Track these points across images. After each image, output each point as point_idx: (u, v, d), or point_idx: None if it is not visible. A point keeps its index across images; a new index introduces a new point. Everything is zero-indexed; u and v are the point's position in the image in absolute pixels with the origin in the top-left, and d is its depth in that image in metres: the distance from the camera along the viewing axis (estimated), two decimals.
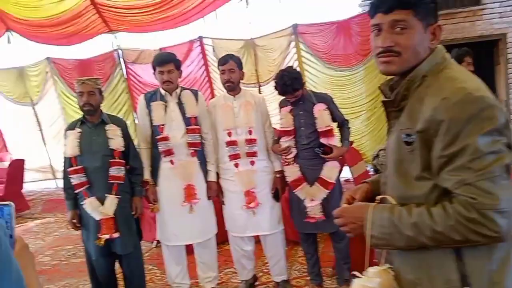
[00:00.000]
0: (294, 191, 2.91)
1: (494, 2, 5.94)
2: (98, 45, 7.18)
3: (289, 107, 2.94)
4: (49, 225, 5.85)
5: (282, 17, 6.65)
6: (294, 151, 2.88)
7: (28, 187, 7.58)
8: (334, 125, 2.96)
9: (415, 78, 1.12)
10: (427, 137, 1.05)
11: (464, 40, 5.79)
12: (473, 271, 1.03)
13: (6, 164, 7.01)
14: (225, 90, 3.05)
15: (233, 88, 2.97)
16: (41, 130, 7.91)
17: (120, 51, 7.12)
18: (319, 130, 2.82)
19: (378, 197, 1.19)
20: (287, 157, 2.89)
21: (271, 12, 6.64)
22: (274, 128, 3.24)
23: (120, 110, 7.25)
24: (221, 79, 3.01)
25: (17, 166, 6.53)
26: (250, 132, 2.94)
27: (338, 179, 2.94)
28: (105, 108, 7.00)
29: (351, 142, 4.43)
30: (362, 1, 6.46)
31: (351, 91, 6.03)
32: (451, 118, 1.00)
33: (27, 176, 7.12)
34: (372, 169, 3.73)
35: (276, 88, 2.89)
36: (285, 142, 2.90)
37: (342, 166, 3.89)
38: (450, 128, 1.00)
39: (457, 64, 1.16)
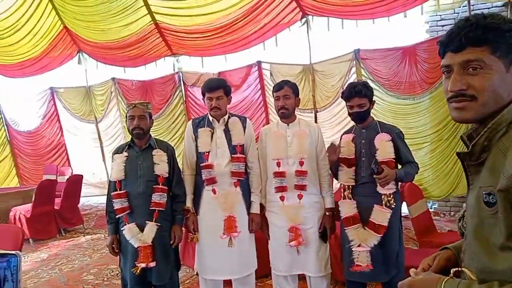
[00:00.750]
0: (345, 228, 2.66)
1: None
2: (160, 68, 7.40)
3: (351, 135, 2.74)
4: (98, 242, 5.95)
5: (343, 42, 6.45)
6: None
7: (85, 201, 7.86)
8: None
9: (498, 126, 0.94)
10: (510, 198, 0.87)
11: None
12: None
13: (65, 178, 7.33)
14: (278, 117, 2.90)
15: (287, 115, 2.82)
16: (102, 146, 8.25)
17: (181, 74, 7.28)
18: (379, 160, 2.56)
19: (453, 270, 1.00)
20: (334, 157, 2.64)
21: (332, 37, 6.46)
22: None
23: (177, 131, 7.37)
24: (275, 105, 2.87)
25: (75, 181, 6.77)
26: (301, 163, 2.75)
27: (397, 222, 2.64)
28: (163, 129, 7.30)
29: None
30: (430, 27, 6.11)
31: (415, 121, 5.65)
32: None
33: (86, 190, 7.39)
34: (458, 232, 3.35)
35: (342, 93, 2.72)
36: (345, 173, 2.68)
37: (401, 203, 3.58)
38: None
39: None
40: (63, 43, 7.44)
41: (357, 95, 2.59)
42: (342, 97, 2.73)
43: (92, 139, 8.32)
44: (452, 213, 6.00)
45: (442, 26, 5.91)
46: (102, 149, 8.28)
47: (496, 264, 0.90)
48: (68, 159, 8.74)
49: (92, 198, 8.67)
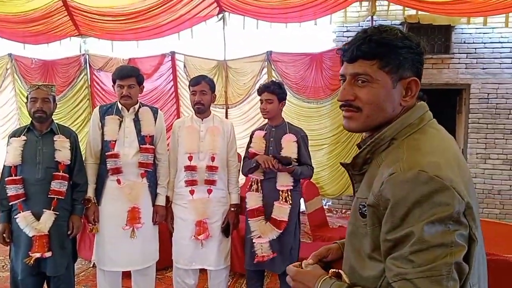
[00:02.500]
0: (249, 219, 2.79)
1: (461, 53, 6.16)
2: (65, 48, 6.91)
3: (263, 132, 2.89)
4: None
5: (257, 42, 6.63)
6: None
7: None
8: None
9: (381, 141, 0.98)
10: (377, 214, 0.92)
11: (431, 86, 5.95)
12: None
13: None
14: (193, 110, 2.93)
15: (202, 110, 2.86)
16: None
17: (87, 56, 6.89)
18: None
19: (332, 270, 1.04)
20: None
21: (247, 36, 6.61)
22: (239, 154, 3.15)
23: (79, 116, 6.96)
24: (191, 100, 2.89)
25: None
26: (212, 159, 2.82)
27: (294, 217, 2.83)
28: (63, 113, 6.85)
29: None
30: (336, 37, 6.57)
31: (317, 123, 6.03)
32: (398, 199, 0.86)
33: None
34: None
35: (258, 88, 2.85)
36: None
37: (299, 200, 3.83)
38: (395, 210, 0.86)
39: (436, 128, 1.00)
40: None
41: (266, 90, 2.76)
42: (257, 92, 2.88)
43: None
44: (344, 210, 6.55)
45: (348, 37, 6.39)
46: None
47: (363, 271, 0.95)
48: None
49: None
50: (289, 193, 2.77)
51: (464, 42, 6.17)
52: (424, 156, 0.89)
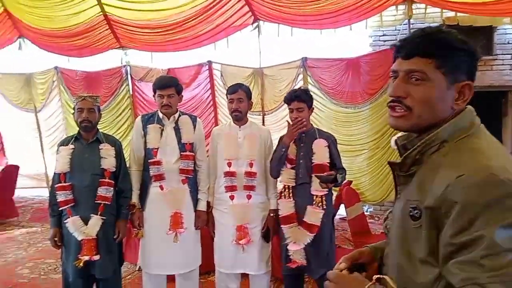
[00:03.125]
0: (282, 226, 2.79)
1: (505, 54, 5.94)
2: (107, 60, 7.20)
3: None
4: (34, 235, 5.71)
5: (293, 49, 6.66)
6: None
7: (21, 193, 7.49)
8: None
9: (431, 142, 0.95)
10: (437, 217, 0.89)
11: (475, 89, 5.76)
12: None
13: (0, 168, 6.94)
14: (230, 118, 2.98)
15: (240, 118, 2.91)
16: (40, 137, 7.87)
17: (128, 68, 7.14)
18: (314, 163, 2.73)
19: (376, 276, 0.98)
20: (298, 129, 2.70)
21: (282, 43, 6.65)
22: None
23: (121, 126, 7.21)
24: (228, 107, 2.95)
25: (11, 172, 6.46)
26: (251, 165, 2.86)
27: (329, 223, 2.82)
28: (107, 122, 7.11)
29: (350, 182, 4.35)
30: (373, 41, 6.49)
31: (355, 129, 5.96)
32: (467, 202, 0.83)
33: (22, 182, 7.03)
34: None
35: (285, 98, 2.84)
36: (286, 173, 2.80)
37: (337, 207, 3.81)
38: (464, 213, 0.84)
39: (487, 133, 0.97)
40: (3, 26, 7.03)
41: (296, 99, 2.75)
42: (284, 101, 2.88)
43: (31, 129, 7.91)
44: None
45: (384, 41, 6.31)
46: (41, 140, 7.89)
47: (416, 277, 0.92)
48: (3, 148, 8.23)
49: (28, 190, 8.24)
50: (323, 198, 2.76)
51: (508, 43, 5.95)
52: (491, 160, 0.87)
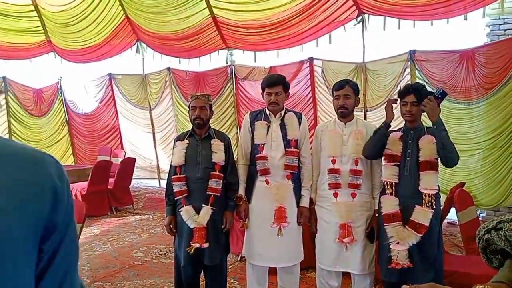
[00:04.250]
0: (385, 225, 2.68)
1: None
2: (213, 60, 7.59)
3: (399, 134, 2.76)
4: (147, 222, 6.27)
5: (398, 41, 6.35)
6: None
7: (134, 183, 8.25)
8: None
9: None
10: None
11: None
12: None
13: (119, 160, 7.71)
14: (329, 115, 2.97)
15: (346, 114, 2.87)
16: (153, 132, 8.59)
17: (233, 67, 7.45)
18: (420, 160, 2.61)
19: None
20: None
21: (387, 36, 6.39)
22: None
23: (226, 122, 7.57)
24: (334, 104, 2.93)
25: (128, 163, 7.16)
26: (356, 163, 2.81)
27: (437, 225, 2.66)
28: (212, 120, 7.50)
29: (462, 184, 4.04)
30: (491, 31, 5.92)
31: (468, 126, 5.51)
32: None
33: (136, 173, 7.75)
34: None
35: (402, 90, 2.75)
36: (389, 169, 2.72)
37: (447, 210, 3.56)
38: None
39: None
40: (123, 32, 7.81)
41: (414, 92, 2.63)
42: (398, 95, 2.76)
43: (145, 125, 8.69)
44: None
45: (505, 30, 5.70)
46: (154, 135, 8.63)
47: None
48: (121, 142, 9.17)
49: (142, 180, 9.07)
50: (433, 198, 2.60)
51: None
52: None
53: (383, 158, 2.83)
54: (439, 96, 2.61)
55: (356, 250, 2.82)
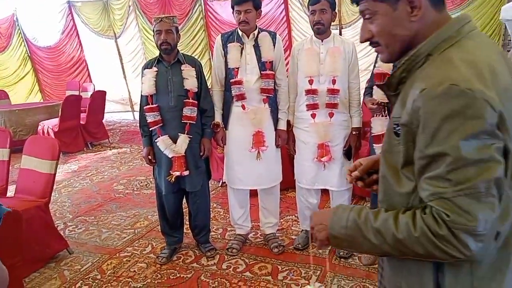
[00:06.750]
0: (374, 145, 2.69)
1: None
2: None
3: None
4: (125, 155, 6.23)
5: None
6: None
7: (108, 117, 8.06)
8: None
9: (416, 58, 0.95)
10: (411, 132, 0.89)
11: None
12: (450, 284, 0.92)
13: (89, 94, 7.45)
14: (308, 34, 2.83)
15: (322, 31, 2.73)
16: (122, 63, 8.24)
17: None
18: None
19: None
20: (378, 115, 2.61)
21: None
22: None
23: (196, 48, 7.29)
24: (310, 20, 2.77)
25: (99, 97, 6.91)
26: (333, 82, 2.74)
27: None
28: (182, 46, 7.20)
29: None
30: None
31: None
32: (428, 115, 0.84)
33: (108, 106, 7.52)
34: None
35: None
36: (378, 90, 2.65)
37: None
38: (426, 126, 0.84)
39: (474, 40, 0.93)
40: None
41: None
42: None
43: (112, 55, 8.29)
44: None
45: None
46: (122, 65, 8.29)
47: (397, 187, 0.96)
48: (89, 75, 8.81)
49: (116, 114, 8.87)
50: None
51: None
52: (455, 70, 0.85)
53: (372, 77, 2.74)
54: None
55: (334, 168, 2.86)
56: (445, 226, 0.83)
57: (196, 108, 2.83)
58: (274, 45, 2.85)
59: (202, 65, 3.06)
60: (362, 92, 2.90)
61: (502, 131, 0.83)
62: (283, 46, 3.59)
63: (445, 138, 0.82)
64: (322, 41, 2.78)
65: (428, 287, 0.95)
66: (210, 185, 3.14)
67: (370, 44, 1.04)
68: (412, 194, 0.93)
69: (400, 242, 0.90)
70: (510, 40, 5.22)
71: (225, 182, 3.72)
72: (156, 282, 2.75)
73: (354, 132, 2.86)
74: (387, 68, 2.55)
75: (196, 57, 6.92)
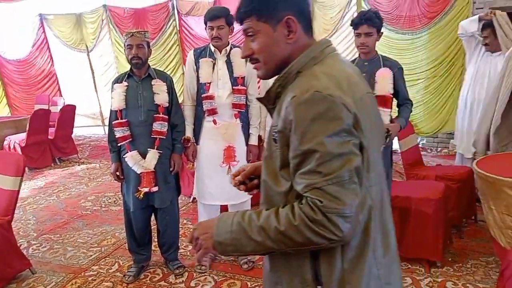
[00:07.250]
0: None
1: None
2: None
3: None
4: (93, 171, 6.08)
5: None
6: None
7: (77, 131, 7.87)
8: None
9: (289, 74, 1.08)
10: (286, 137, 1.01)
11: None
12: (325, 270, 1.03)
13: (58, 108, 7.26)
14: None
15: None
16: (93, 77, 8.11)
17: (174, 1, 7.01)
18: (377, 94, 2.53)
19: None
20: None
21: None
22: None
23: (170, 62, 7.25)
24: None
25: (69, 111, 6.72)
26: None
27: (387, 158, 2.68)
28: (155, 60, 7.16)
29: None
30: None
31: (412, 57, 5.62)
32: (298, 118, 0.97)
33: (78, 121, 7.35)
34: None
35: (352, 21, 2.66)
36: None
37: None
38: (297, 128, 0.97)
39: (336, 59, 1.10)
40: None
41: (367, 22, 2.53)
42: (351, 25, 2.67)
43: (84, 69, 8.15)
44: (439, 148, 6.17)
45: None
46: (94, 79, 8.16)
47: (279, 188, 1.06)
48: (59, 89, 8.61)
49: (85, 128, 8.67)
50: (388, 133, 2.62)
51: None
52: (318, 80, 0.99)
53: None
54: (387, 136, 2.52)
55: None
56: (320, 212, 0.93)
57: (166, 123, 2.79)
58: (246, 61, 2.85)
59: (176, 79, 3.05)
60: None
61: (357, 130, 0.97)
62: None
63: (313, 137, 0.94)
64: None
65: (306, 276, 1.04)
66: (180, 201, 3.10)
67: (250, 61, 1.13)
68: (289, 192, 1.03)
69: (282, 233, 0.97)
70: None
71: (195, 198, 3.67)
72: None
73: None
74: None
75: (169, 71, 6.91)
